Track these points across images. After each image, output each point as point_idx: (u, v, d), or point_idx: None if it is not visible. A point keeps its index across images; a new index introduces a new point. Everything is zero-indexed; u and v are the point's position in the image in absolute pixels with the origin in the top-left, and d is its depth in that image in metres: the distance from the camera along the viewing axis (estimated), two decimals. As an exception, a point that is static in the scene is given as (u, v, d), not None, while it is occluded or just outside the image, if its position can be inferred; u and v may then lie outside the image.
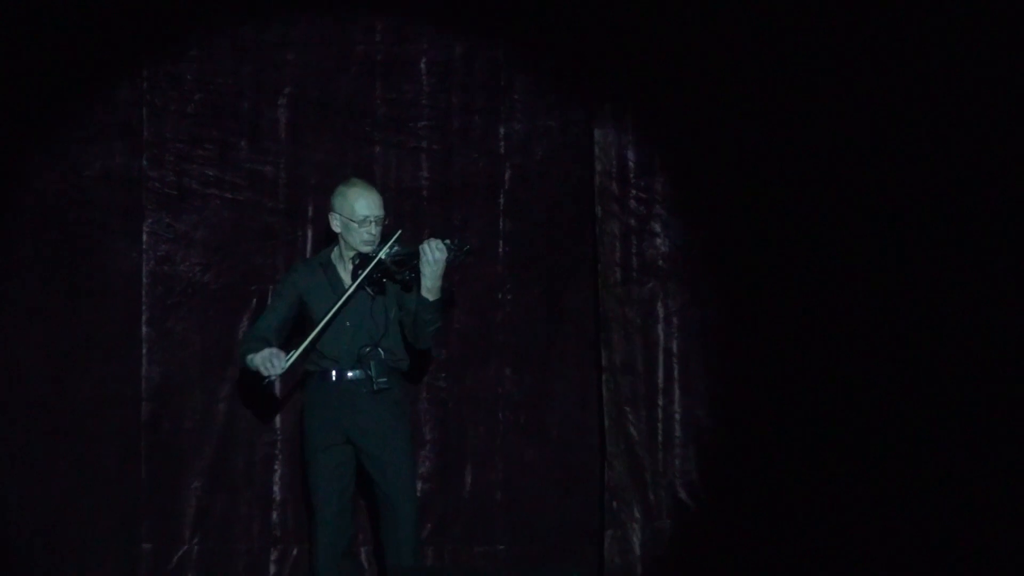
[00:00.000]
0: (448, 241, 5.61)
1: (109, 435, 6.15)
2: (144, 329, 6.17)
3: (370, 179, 6.00)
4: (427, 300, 5.59)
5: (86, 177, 6.16)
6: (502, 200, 6.30)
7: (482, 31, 6.30)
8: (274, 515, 6.21)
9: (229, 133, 6.25)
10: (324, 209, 6.08)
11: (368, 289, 5.62)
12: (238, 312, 6.20)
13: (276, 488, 6.22)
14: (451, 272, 5.68)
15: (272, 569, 6.19)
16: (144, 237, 6.18)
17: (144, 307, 6.18)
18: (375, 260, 5.62)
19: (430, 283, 5.57)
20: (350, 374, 5.65)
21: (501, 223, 6.27)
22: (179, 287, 6.19)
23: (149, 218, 6.19)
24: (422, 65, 6.29)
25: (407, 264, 5.64)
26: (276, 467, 6.22)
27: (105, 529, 6.12)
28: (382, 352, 5.66)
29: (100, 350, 6.16)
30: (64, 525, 6.09)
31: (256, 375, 5.74)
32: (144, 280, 6.18)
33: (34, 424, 6.10)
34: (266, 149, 6.24)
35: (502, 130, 6.32)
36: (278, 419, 6.23)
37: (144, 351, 6.16)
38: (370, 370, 5.65)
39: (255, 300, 6.22)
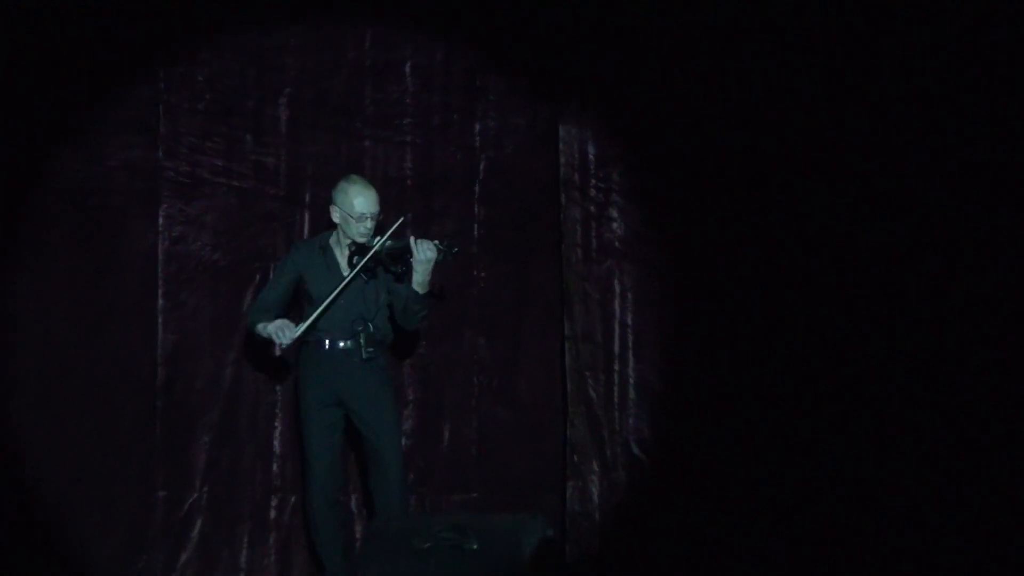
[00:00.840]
0: (438, 242, 5.70)
1: (129, 395, 6.20)
2: (160, 302, 6.22)
3: (360, 170, 6.12)
4: (417, 293, 5.74)
5: (109, 167, 6.19)
6: (477, 189, 6.42)
7: (460, 39, 6.37)
8: (274, 467, 6.31)
9: (236, 128, 6.29)
10: (320, 196, 6.19)
11: (362, 274, 5.75)
12: (243, 287, 6.28)
13: (276, 443, 6.31)
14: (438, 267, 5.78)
15: (272, 514, 6.29)
16: (160, 220, 6.22)
17: (160, 282, 6.23)
18: (372, 251, 5.72)
19: (420, 278, 5.70)
20: (341, 344, 5.78)
21: (476, 209, 6.40)
22: (191, 264, 6.26)
23: (165, 203, 6.22)
24: (406, 69, 6.38)
25: (400, 259, 5.74)
26: (276, 424, 6.31)
27: (125, 478, 6.18)
28: (371, 327, 5.79)
29: (121, 320, 6.21)
30: (89, 474, 6.12)
31: (267, 341, 5.84)
32: (160, 258, 6.23)
33: (63, 385, 6.13)
34: (268, 143, 6.32)
35: (477, 127, 6.42)
36: (278, 382, 6.31)
37: (160, 321, 6.21)
38: (360, 341, 5.78)
39: (258, 276, 6.26)
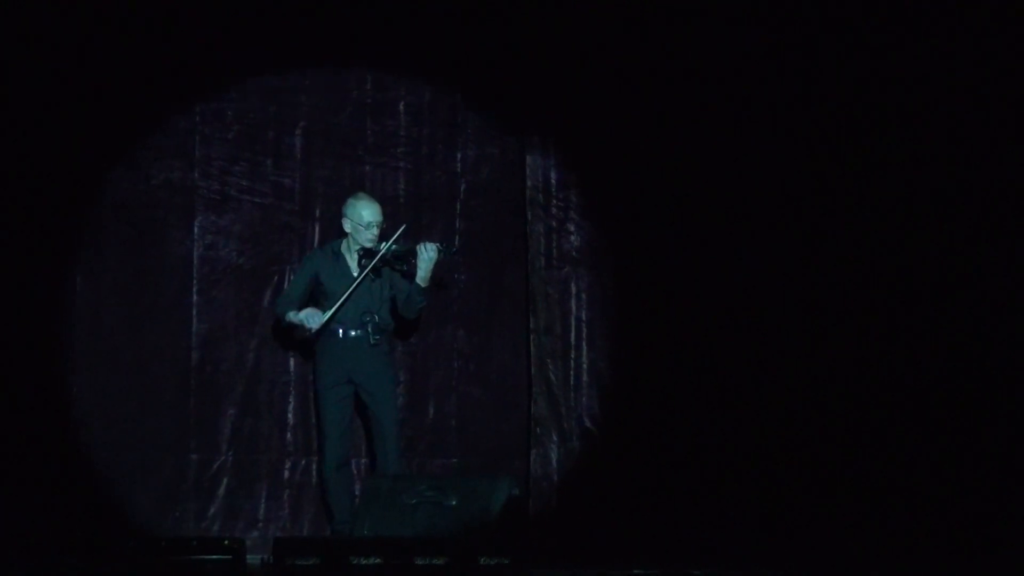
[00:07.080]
0: (440, 244, 5.97)
1: (168, 374, 6.52)
2: (194, 297, 6.53)
3: (361, 190, 6.33)
4: (419, 286, 6.01)
5: (153, 185, 6.52)
6: (458, 206, 6.70)
7: (444, 82, 6.63)
8: (288, 435, 6.59)
9: (258, 154, 6.60)
10: (329, 211, 6.50)
11: (370, 273, 6.01)
12: (264, 286, 6.61)
13: (290, 415, 6.59)
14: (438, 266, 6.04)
15: (286, 475, 6.59)
16: (195, 230, 6.54)
17: (195, 281, 6.54)
18: (379, 254, 5.96)
19: (423, 274, 5.98)
20: (352, 333, 6.07)
21: (457, 223, 6.69)
22: (220, 267, 6.57)
23: (199, 216, 6.54)
24: (400, 106, 6.68)
25: (404, 259, 5.99)
26: (290, 399, 6.58)
27: (164, 443, 6.48)
28: (376, 318, 6.07)
29: (162, 312, 6.53)
30: (134, 440, 6.46)
31: (296, 327, 6.05)
32: (195, 261, 6.53)
33: (114, 366, 6.49)
34: (285, 166, 6.61)
35: (459, 155, 6.69)
36: (292, 363, 6.61)
37: (194, 313, 6.53)
38: (368, 330, 6.05)
39: (276, 277, 6.57)
